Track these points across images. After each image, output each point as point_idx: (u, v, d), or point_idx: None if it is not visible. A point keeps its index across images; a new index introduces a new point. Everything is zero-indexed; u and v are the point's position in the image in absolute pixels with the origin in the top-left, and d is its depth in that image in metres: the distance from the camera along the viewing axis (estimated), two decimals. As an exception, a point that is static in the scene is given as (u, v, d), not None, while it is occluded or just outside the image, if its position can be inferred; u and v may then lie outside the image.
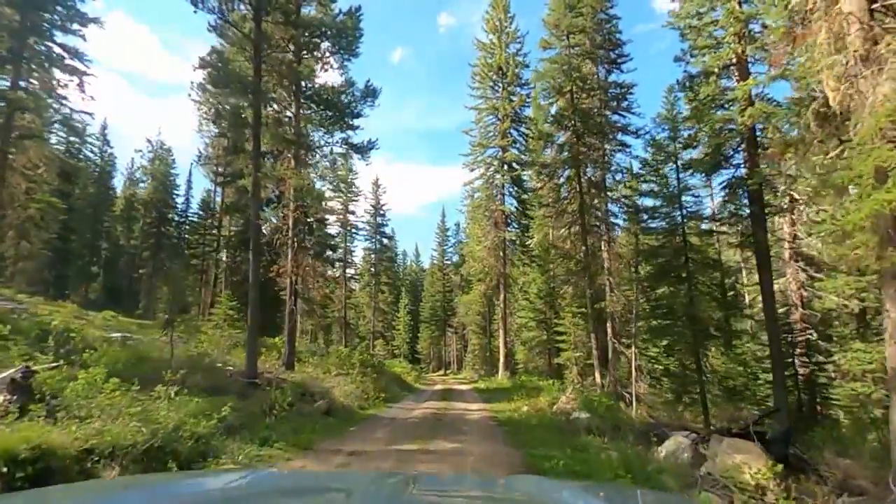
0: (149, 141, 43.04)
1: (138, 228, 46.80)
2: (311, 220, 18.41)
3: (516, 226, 31.29)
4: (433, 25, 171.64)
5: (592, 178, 17.51)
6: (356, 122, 16.05)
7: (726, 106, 15.97)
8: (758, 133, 15.70)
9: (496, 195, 31.28)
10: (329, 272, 41.87)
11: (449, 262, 57.68)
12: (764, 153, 14.72)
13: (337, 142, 15.19)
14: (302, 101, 15.26)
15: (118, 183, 50.39)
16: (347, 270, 48.44)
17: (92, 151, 50.22)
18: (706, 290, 15.59)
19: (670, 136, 16.66)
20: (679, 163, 16.52)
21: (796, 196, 14.95)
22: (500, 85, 30.81)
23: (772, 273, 15.23)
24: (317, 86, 15.48)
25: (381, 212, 49.84)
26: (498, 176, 30.85)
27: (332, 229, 46.75)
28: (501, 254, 30.88)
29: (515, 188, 31.26)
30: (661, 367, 19.17)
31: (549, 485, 1.68)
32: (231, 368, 13.45)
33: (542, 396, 17.26)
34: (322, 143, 15.50)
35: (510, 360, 31.40)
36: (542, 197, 18.32)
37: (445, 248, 57.37)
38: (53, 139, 48.10)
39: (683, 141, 16.47)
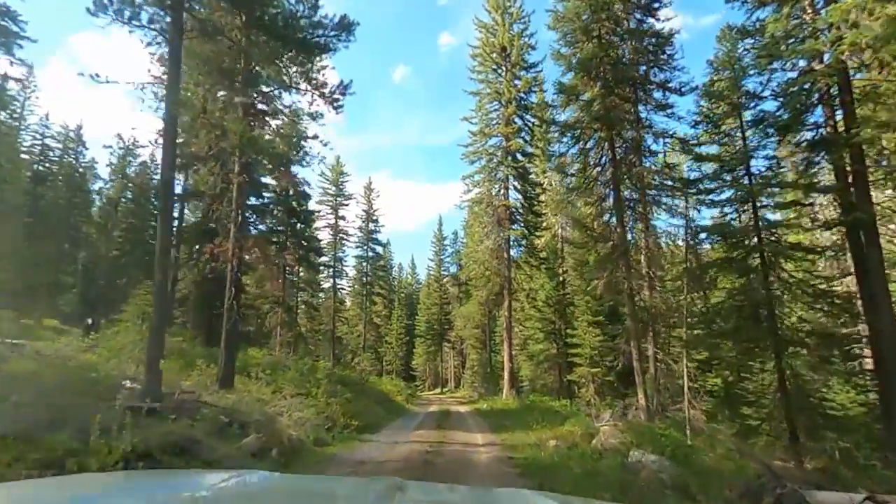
0: (119, 137, 38.99)
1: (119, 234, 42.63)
2: (263, 182, 14.26)
3: (522, 223, 27.16)
4: (434, 44, 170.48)
5: (628, 142, 13.50)
6: (326, 60, 12.06)
7: (805, 42, 12.09)
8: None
9: (499, 189, 27.22)
10: (318, 278, 37.58)
11: (446, 273, 53.35)
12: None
13: (296, 75, 11.08)
14: (252, 28, 11.23)
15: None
16: (338, 281, 44.24)
17: (67, 153, 46.49)
18: (793, 282, 11.32)
19: (729, 86, 12.66)
20: (744, 118, 12.51)
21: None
22: (504, 67, 27.03)
23: (882, 258, 11.06)
24: (272, 11, 11.45)
25: (374, 217, 45.73)
26: (502, 168, 26.82)
27: (321, 235, 42.67)
28: (505, 255, 26.67)
29: (520, 182, 27.24)
30: (713, 383, 14.85)
31: (546, 500, 1.49)
32: (133, 387, 9.12)
33: (568, 424, 12.85)
34: (279, 84, 11.39)
35: (515, 378, 26.91)
36: (565, 166, 14.28)
37: (443, 257, 53.10)
38: (27, 140, 44.51)
39: (749, 92, 12.49)
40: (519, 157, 27.07)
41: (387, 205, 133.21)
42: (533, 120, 27.89)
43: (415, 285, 66.23)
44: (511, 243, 26.81)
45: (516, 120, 26.98)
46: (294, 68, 11.07)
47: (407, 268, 67.84)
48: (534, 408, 20.75)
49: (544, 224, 28.51)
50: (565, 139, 13.86)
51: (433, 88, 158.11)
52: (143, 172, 41.03)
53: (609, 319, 26.55)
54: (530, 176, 27.82)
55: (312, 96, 11.74)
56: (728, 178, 11.89)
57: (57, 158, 45.70)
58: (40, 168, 43.61)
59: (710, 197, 12.75)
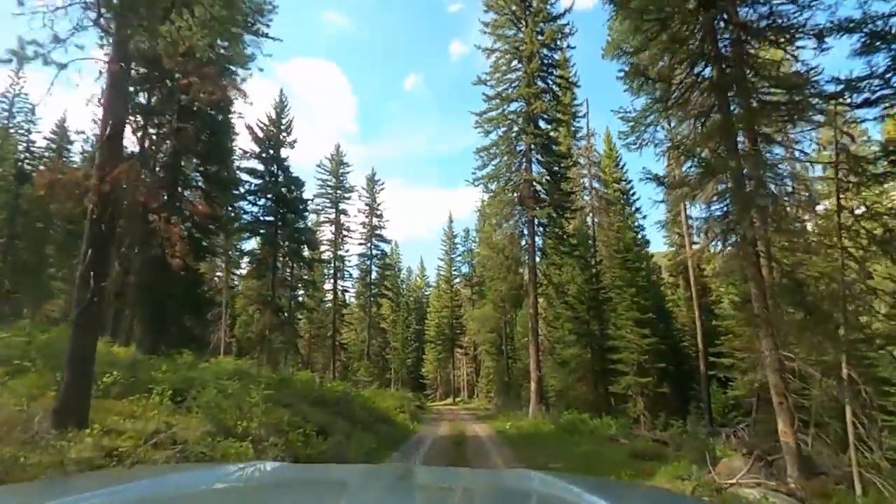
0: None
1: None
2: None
3: (547, 203, 22.03)
4: (445, 53, 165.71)
5: (744, 22, 8.37)
6: None
7: None
8: None
9: (520, 163, 22.19)
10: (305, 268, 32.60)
11: (457, 273, 48.23)
12: None
13: None
14: None
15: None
16: (341, 282, 39.35)
17: (51, 150, 42.35)
18: None
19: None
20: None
21: None
22: (525, 20, 22.13)
23: None
24: None
25: (378, 211, 40.92)
26: (524, 137, 21.80)
27: (322, 233, 37.97)
28: (529, 241, 21.57)
29: (544, 154, 22.20)
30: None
31: (550, 479, 1.47)
32: None
33: (663, 474, 7.72)
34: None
35: (543, 389, 21.61)
36: (646, 70, 9.19)
37: (453, 256, 48.00)
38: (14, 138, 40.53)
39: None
40: (542, 124, 22.07)
41: (399, 211, 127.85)
42: (559, 81, 22.99)
43: (425, 289, 61.06)
44: (536, 227, 21.70)
45: (538, 82, 22.04)
46: None
47: (416, 270, 62.80)
48: (575, 431, 15.41)
49: (574, 205, 23.41)
50: (645, 29, 8.75)
51: (444, 97, 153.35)
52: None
53: (658, 317, 21.35)
54: (554, 148, 22.79)
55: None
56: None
57: (41, 155, 41.68)
58: (24, 166, 39.71)
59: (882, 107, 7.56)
